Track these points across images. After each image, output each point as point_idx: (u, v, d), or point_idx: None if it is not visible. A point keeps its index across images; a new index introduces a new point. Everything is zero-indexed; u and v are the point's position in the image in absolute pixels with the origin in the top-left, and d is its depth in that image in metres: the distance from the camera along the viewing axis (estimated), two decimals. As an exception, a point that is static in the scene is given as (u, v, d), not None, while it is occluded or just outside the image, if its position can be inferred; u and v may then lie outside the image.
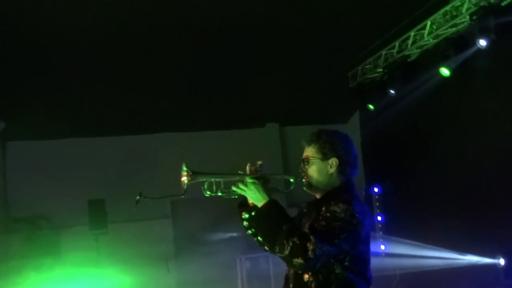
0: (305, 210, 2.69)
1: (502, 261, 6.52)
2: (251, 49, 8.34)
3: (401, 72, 8.38)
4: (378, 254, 8.20)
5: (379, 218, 8.32)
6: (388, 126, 9.50)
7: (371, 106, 9.49)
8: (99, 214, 9.20)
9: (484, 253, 6.92)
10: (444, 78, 7.65)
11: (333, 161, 2.59)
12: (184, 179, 2.56)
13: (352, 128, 11.21)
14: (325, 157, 2.59)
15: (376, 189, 8.49)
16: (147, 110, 9.70)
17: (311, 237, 2.27)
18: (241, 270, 9.33)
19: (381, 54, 8.70)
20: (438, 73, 7.64)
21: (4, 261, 9.31)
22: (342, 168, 2.60)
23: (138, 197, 3.17)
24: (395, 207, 8.69)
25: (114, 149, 10.45)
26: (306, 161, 2.62)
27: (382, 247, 8.09)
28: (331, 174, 2.59)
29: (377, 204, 8.42)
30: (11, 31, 6.88)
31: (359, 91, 9.49)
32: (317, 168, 2.60)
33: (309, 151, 2.64)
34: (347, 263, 2.40)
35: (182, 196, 2.62)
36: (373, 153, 10.44)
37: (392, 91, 8.59)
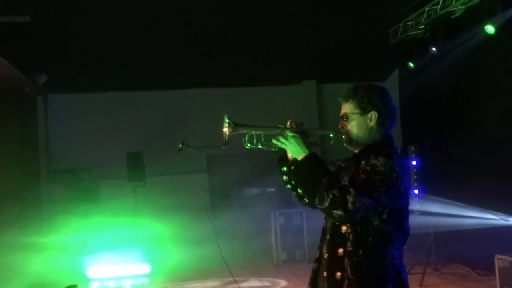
0: (343, 165, 2.71)
1: (540, 223, 6.46)
2: (290, 5, 8.25)
3: (444, 30, 8.17)
4: (412, 212, 8.23)
5: (416, 188, 8.34)
6: (429, 85, 9.33)
7: (411, 64, 9.32)
8: (137, 166, 9.47)
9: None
10: (489, 36, 7.42)
11: (373, 115, 2.57)
12: (226, 130, 2.56)
13: (391, 86, 11.03)
14: (364, 111, 2.57)
15: (414, 162, 8.45)
16: (187, 66, 9.77)
17: (351, 189, 2.30)
18: (275, 225, 9.49)
19: (424, 11, 8.47)
20: (483, 31, 7.41)
21: (47, 206, 9.74)
22: (381, 121, 2.58)
23: (180, 145, 3.19)
24: (433, 167, 8.62)
25: (154, 104, 10.62)
26: (346, 117, 2.61)
27: (416, 191, 8.16)
28: (371, 127, 2.58)
29: (414, 173, 8.37)
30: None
31: (400, 48, 9.33)
32: (357, 124, 2.59)
33: (347, 107, 2.62)
34: (385, 215, 2.42)
35: (223, 147, 2.65)
36: (412, 112, 10.31)
37: (434, 49, 8.40)
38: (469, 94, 8.45)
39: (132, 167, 9.48)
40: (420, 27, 8.70)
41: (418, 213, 8.12)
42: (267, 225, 9.64)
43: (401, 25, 9.12)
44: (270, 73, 10.48)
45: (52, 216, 9.04)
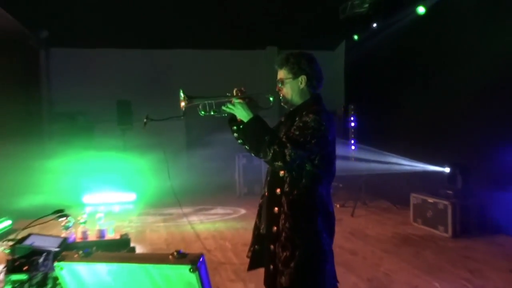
0: (283, 120, 2.71)
1: (447, 170, 6.63)
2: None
3: (384, 8, 8.06)
4: (348, 158, 8.33)
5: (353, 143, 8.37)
6: (369, 55, 9.29)
7: (355, 37, 9.21)
8: (126, 112, 9.28)
9: (434, 163, 7.03)
10: (420, 17, 7.34)
11: (302, 78, 2.57)
12: (182, 102, 2.55)
13: (338, 55, 10.97)
14: (295, 76, 2.57)
15: (352, 119, 8.44)
16: (169, 28, 9.43)
17: (288, 144, 2.33)
18: (239, 164, 9.53)
19: (369, -10, 8.28)
20: (416, 11, 7.32)
21: (48, 143, 9.53)
22: (310, 83, 2.58)
23: (145, 119, 3.15)
24: (368, 123, 8.68)
25: (141, 61, 10.35)
26: (281, 82, 2.62)
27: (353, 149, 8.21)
28: (302, 89, 2.59)
29: (352, 126, 8.39)
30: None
31: (347, 23, 9.17)
32: (290, 86, 2.59)
33: (282, 73, 2.62)
34: (316, 161, 2.43)
35: (181, 118, 2.64)
36: (354, 78, 10.30)
37: (375, 25, 8.30)
38: (403, 62, 8.43)
39: (122, 113, 9.29)
40: (365, 5, 8.52)
41: (353, 159, 8.23)
42: (232, 164, 9.66)
43: (349, 3, 8.92)
44: (240, 37, 10.23)
45: (53, 151, 8.85)
